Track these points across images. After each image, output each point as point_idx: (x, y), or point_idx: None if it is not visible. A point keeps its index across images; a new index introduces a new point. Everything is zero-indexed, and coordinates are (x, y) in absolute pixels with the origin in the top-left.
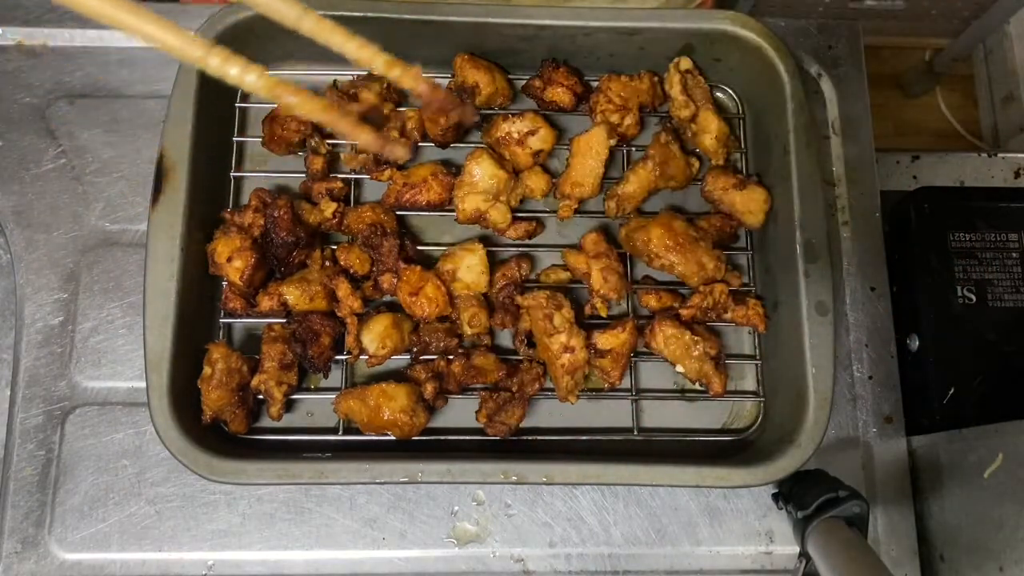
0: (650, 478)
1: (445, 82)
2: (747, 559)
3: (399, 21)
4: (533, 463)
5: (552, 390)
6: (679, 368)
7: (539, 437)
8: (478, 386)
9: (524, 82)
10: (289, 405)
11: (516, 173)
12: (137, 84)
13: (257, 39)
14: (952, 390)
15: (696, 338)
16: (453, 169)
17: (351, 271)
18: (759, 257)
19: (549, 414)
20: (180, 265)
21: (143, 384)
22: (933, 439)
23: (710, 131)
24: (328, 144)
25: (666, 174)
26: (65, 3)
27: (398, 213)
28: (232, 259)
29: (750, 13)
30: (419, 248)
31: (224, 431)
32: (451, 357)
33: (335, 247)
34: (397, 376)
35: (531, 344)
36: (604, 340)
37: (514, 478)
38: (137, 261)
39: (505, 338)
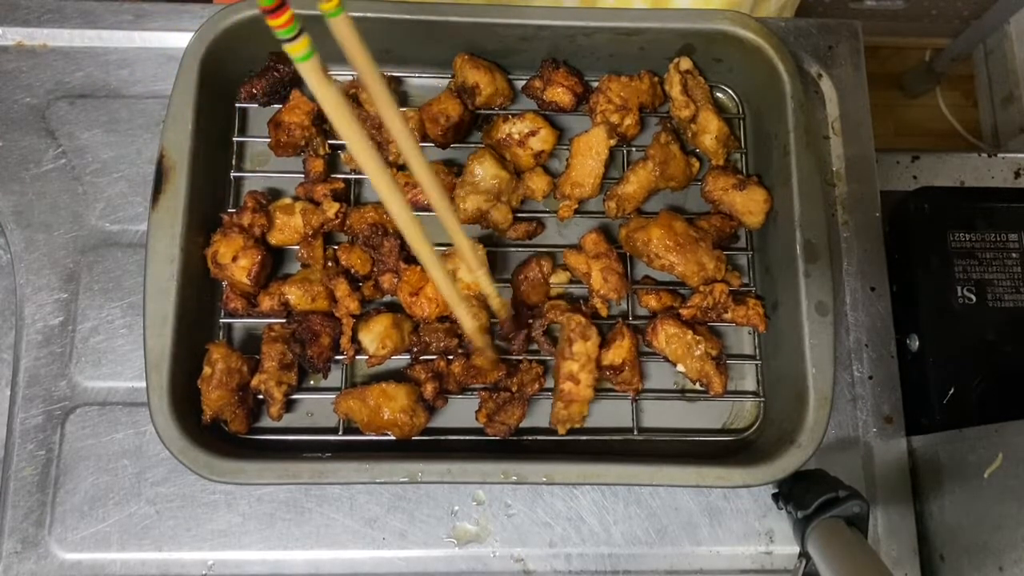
0: (650, 478)
1: (445, 82)
2: (747, 559)
3: (399, 21)
4: (533, 463)
5: (552, 390)
6: (680, 367)
7: (539, 437)
8: (478, 386)
9: (524, 82)
10: (289, 405)
11: (518, 174)
12: (137, 84)
13: (257, 39)
14: (952, 390)
15: (698, 338)
16: (455, 169)
17: (352, 271)
18: (759, 257)
19: (549, 414)
20: (180, 265)
21: (143, 384)
22: (933, 439)
23: (710, 131)
24: (328, 144)
25: (666, 174)
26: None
27: None
28: (238, 258)
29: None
30: None
31: (224, 431)
32: (451, 357)
33: (336, 247)
34: (397, 376)
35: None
36: (612, 355)
37: (514, 478)
38: (137, 261)
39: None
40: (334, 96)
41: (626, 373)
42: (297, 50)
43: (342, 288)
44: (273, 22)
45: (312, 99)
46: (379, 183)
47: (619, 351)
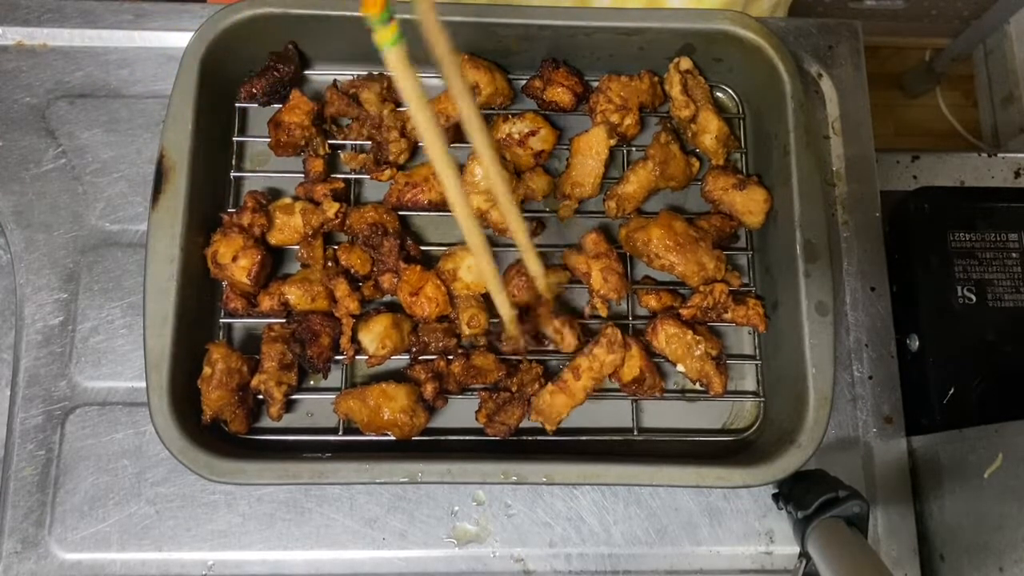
0: (650, 478)
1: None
2: (747, 559)
3: (399, 21)
4: (533, 463)
5: None
6: (680, 368)
7: (539, 437)
8: (478, 386)
9: (524, 82)
10: (289, 405)
11: (518, 174)
12: (137, 84)
13: (257, 39)
14: (952, 390)
15: (698, 338)
16: None
17: (352, 271)
18: (759, 257)
19: None
20: (180, 265)
21: (143, 384)
22: (933, 439)
23: (710, 131)
24: (328, 144)
25: (666, 174)
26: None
27: (400, 213)
28: (238, 258)
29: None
30: (421, 248)
31: (224, 431)
32: (451, 357)
33: (336, 247)
34: (397, 376)
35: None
36: (627, 370)
37: (514, 478)
38: (137, 261)
39: None
40: (414, 85)
41: (649, 379)
42: (385, 36)
43: (342, 288)
44: (368, 7)
45: (312, 99)
46: (449, 186)
47: (632, 364)
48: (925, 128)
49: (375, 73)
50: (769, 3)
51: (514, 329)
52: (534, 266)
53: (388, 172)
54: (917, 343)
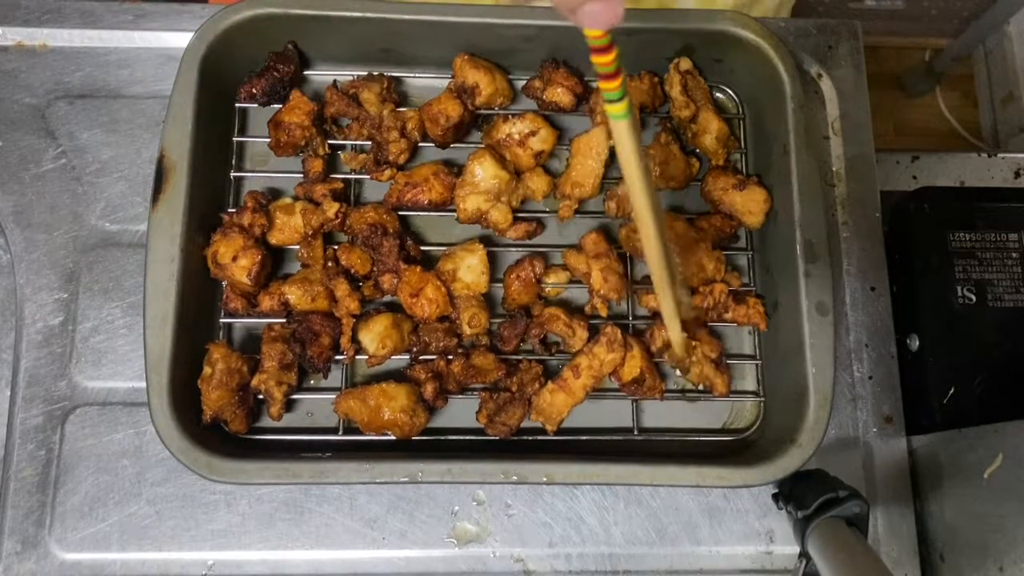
0: (650, 478)
1: (445, 82)
2: (747, 559)
3: (399, 21)
4: (533, 463)
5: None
6: (680, 373)
7: (539, 437)
8: (478, 386)
9: (524, 82)
10: (289, 405)
11: (518, 174)
12: (137, 84)
13: (256, 40)
14: (952, 390)
15: (693, 343)
16: (455, 169)
17: (352, 271)
18: (759, 257)
19: None
20: (180, 265)
21: (143, 384)
22: (933, 439)
23: (710, 131)
24: (328, 145)
25: (666, 174)
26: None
27: (400, 213)
28: (238, 258)
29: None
30: (421, 248)
31: (224, 431)
32: (451, 357)
33: (336, 247)
34: (397, 376)
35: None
36: (628, 370)
37: (514, 478)
38: (137, 261)
39: None
40: (637, 156)
41: (648, 380)
42: (618, 109)
43: (342, 288)
44: (606, 84)
45: (312, 99)
46: (649, 234)
47: (633, 363)
48: (925, 128)
49: (375, 73)
50: (773, 3)
51: (682, 352)
52: (675, 334)
53: (388, 172)
54: (917, 343)
